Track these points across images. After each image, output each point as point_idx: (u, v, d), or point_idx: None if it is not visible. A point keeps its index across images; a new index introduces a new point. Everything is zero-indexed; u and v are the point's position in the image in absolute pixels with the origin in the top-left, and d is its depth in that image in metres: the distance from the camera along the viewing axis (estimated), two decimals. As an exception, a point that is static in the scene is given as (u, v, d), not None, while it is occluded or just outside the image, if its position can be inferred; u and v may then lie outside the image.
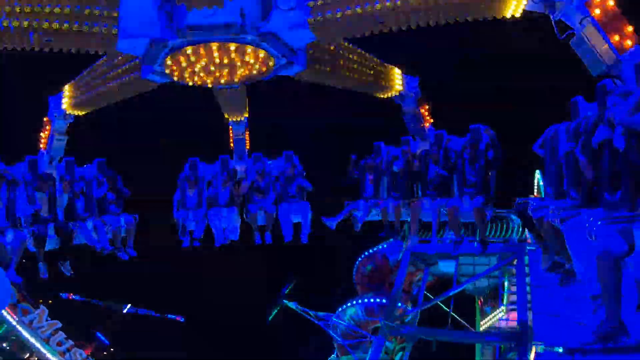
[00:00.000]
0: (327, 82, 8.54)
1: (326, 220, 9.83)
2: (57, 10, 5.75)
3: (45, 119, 9.08)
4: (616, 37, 5.08)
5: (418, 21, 6.18)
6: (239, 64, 6.84)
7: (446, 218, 8.62)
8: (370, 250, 12.48)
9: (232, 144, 10.69)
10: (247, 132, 10.69)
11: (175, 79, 7.33)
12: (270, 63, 7.04)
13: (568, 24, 5.61)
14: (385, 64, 9.00)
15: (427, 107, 9.51)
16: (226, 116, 10.14)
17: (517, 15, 6.01)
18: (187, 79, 7.24)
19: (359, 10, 6.05)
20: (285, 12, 6.31)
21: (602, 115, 4.75)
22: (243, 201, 10.21)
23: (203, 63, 6.80)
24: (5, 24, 5.63)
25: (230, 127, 10.56)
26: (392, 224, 9.46)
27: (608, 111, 4.53)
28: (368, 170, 9.86)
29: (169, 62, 6.88)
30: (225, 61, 6.77)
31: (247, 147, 10.83)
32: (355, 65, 8.57)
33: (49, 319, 18.24)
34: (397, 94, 9.32)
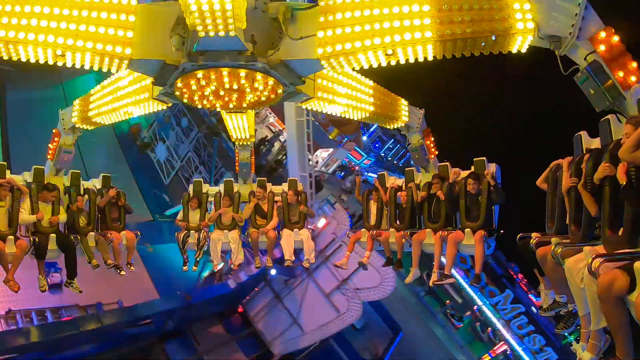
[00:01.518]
0: (333, 112, 8.59)
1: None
2: (72, 27, 5.94)
3: (55, 131, 9.24)
4: (620, 73, 5.08)
5: (426, 54, 6.24)
6: (248, 90, 6.89)
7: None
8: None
9: (237, 167, 10.76)
10: (253, 156, 10.76)
11: (185, 101, 7.42)
12: (279, 90, 7.11)
13: (573, 59, 5.63)
14: (392, 94, 9.06)
15: (432, 138, 9.51)
16: (233, 139, 10.22)
17: (523, 51, 6.04)
18: (196, 102, 7.31)
19: (368, 42, 6.12)
20: (295, 41, 6.43)
21: (605, 150, 4.71)
22: (245, 225, 10.20)
23: (213, 87, 6.86)
24: (21, 38, 5.82)
25: (237, 150, 10.64)
26: (395, 255, 9.36)
27: (619, 142, 4.48)
28: (371, 199, 9.83)
29: (179, 84, 6.97)
30: (235, 87, 6.82)
31: (252, 171, 10.89)
32: (362, 95, 8.65)
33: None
34: (403, 124, 9.35)
